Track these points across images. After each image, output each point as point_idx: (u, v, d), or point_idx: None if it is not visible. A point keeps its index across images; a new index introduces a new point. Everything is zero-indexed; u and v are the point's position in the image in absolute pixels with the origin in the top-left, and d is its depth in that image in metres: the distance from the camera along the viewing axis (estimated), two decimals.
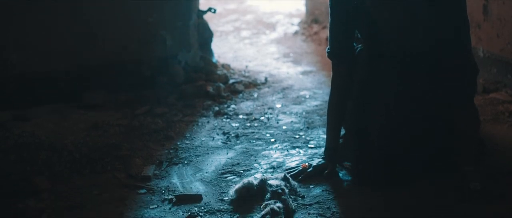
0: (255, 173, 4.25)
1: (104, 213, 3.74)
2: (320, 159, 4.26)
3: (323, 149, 4.32)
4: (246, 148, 4.71)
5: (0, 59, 5.61)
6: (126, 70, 6.03)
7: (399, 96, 3.93)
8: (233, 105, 5.73)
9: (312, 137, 4.87)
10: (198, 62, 6.47)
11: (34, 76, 5.70)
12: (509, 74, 5.54)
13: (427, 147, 3.98)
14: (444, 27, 3.85)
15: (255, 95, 6.06)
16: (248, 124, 5.24)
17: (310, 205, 3.80)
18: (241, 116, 5.45)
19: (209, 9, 6.60)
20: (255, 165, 4.41)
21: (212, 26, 7.04)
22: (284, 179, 3.97)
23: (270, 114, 5.49)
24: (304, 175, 4.15)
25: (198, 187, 4.08)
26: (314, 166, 4.20)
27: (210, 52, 6.83)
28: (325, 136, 4.33)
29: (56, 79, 5.78)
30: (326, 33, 7.79)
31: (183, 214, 3.72)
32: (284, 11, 10.16)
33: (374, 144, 3.96)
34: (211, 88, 6.01)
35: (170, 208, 3.81)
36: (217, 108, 5.64)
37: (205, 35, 6.75)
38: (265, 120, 5.33)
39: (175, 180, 4.19)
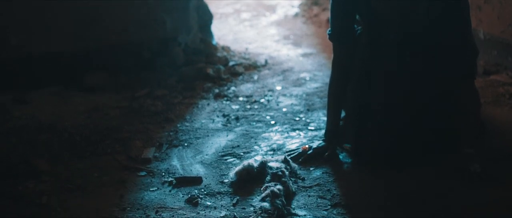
0: (255, 155, 4.25)
1: (104, 195, 3.75)
2: (320, 141, 4.26)
3: (323, 131, 4.32)
4: (246, 130, 4.71)
5: (0, 41, 5.59)
6: (126, 52, 6.01)
7: (399, 76, 3.93)
8: (233, 88, 5.72)
9: (312, 119, 4.87)
10: (198, 45, 6.46)
11: (34, 59, 5.69)
12: (510, 57, 5.52)
13: (428, 129, 3.98)
14: (444, 8, 3.84)
15: (255, 77, 6.05)
16: (248, 106, 5.23)
17: (310, 187, 3.81)
18: (241, 98, 5.44)
19: None
20: (255, 147, 4.41)
21: (212, 8, 7.02)
22: (284, 161, 3.97)
23: (270, 96, 5.49)
24: (304, 157, 4.15)
25: (198, 169, 4.09)
26: (314, 148, 4.20)
27: (210, 35, 6.82)
28: (325, 118, 4.33)
29: (56, 61, 5.77)
30: (326, 15, 7.77)
31: (183, 196, 3.73)
32: None
33: (374, 125, 3.96)
34: (211, 71, 6.00)
35: (170, 190, 3.82)
36: (217, 90, 5.63)
37: (205, 17, 6.73)
38: (265, 102, 5.32)
39: (175, 162, 4.19)
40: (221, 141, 4.53)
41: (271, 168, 3.85)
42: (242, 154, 4.30)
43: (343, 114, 4.30)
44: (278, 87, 5.74)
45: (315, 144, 4.24)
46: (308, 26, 8.06)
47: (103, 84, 5.73)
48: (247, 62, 6.47)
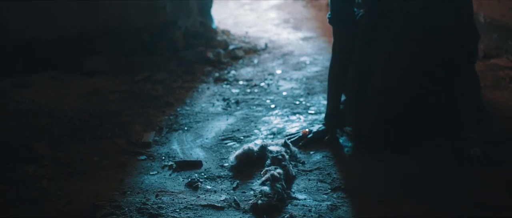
0: (255, 139, 4.25)
1: (104, 179, 3.75)
2: (321, 125, 4.26)
3: (323, 115, 4.31)
4: (246, 114, 4.70)
5: (0, 25, 5.58)
6: (126, 36, 6.00)
7: (399, 58, 3.92)
8: (233, 71, 5.71)
9: (312, 103, 4.87)
10: (198, 28, 6.45)
11: (33, 43, 5.67)
12: (510, 40, 5.51)
13: (428, 112, 3.98)
14: None
15: (255, 61, 6.04)
16: (248, 90, 5.23)
17: (310, 171, 3.81)
18: (241, 82, 5.44)
19: None
20: (255, 131, 4.41)
21: None
22: (285, 145, 3.97)
23: (270, 79, 5.48)
24: (305, 141, 4.14)
25: (198, 153, 4.09)
26: (315, 132, 4.20)
27: (210, 18, 6.80)
28: (325, 102, 4.33)
29: (56, 45, 5.75)
30: None
31: (183, 180, 3.73)
32: None
33: (374, 108, 3.96)
34: (211, 54, 5.99)
35: (170, 174, 3.82)
36: (217, 74, 5.62)
37: (205, 1, 6.72)
38: (265, 86, 5.32)
39: (175, 146, 4.19)
40: (221, 124, 4.53)
41: (271, 151, 3.84)
42: (242, 138, 4.30)
43: (343, 98, 4.29)
44: (278, 71, 5.73)
45: (315, 128, 4.24)
46: (308, 10, 8.04)
47: (103, 68, 5.72)
48: (247, 46, 6.46)
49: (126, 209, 3.38)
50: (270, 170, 3.63)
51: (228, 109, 4.83)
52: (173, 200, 3.50)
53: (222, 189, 3.62)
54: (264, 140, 4.15)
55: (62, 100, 4.96)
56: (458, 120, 3.96)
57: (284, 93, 5.13)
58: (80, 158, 4.01)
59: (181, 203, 3.46)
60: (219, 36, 6.57)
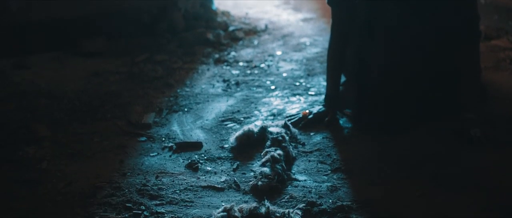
0: (255, 120, 4.25)
1: (105, 160, 3.75)
2: (321, 106, 4.26)
3: (323, 96, 4.31)
4: (246, 95, 4.70)
5: (1, 7, 5.56)
6: (126, 17, 5.98)
7: (399, 39, 3.90)
8: (233, 53, 5.71)
9: (312, 84, 4.86)
10: (197, 10, 6.43)
11: (34, 25, 5.66)
12: (511, 21, 5.50)
13: (428, 93, 3.97)
14: None
15: (255, 42, 6.03)
16: (248, 71, 5.22)
17: (310, 152, 3.81)
18: (241, 63, 5.43)
19: None
20: (256, 112, 4.41)
21: None
22: (285, 126, 3.97)
23: (270, 61, 5.47)
24: (305, 122, 4.14)
25: (198, 135, 4.09)
26: (315, 113, 4.19)
27: None
28: (325, 83, 4.32)
29: (56, 27, 5.74)
30: None
31: (183, 162, 3.73)
32: None
33: (374, 88, 3.95)
34: (211, 36, 5.98)
35: (170, 156, 3.82)
36: (217, 55, 5.62)
37: None
38: (265, 67, 5.31)
39: (175, 128, 4.19)
40: (221, 106, 4.53)
41: (271, 133, 3.85)
42: (242, 119, 4.30)
43: (343, 79, 4.28)
44: (278, 52, 5.72)
45: (315, 109, 4.24)
46: None
47: (103, 49, 5.71)
48: (247, 27, 6.45)
49: (126, 190, 3.39)
50: (270, 151, 3.64)
51: (228, 90, 4.83)
52: (173, 181, 3.50)
53: (222, 170, 3.62)
54: (264, 121, 4.15)
55: (62, 81, 4.96)
56: (459, 101, 3.95)
57: (284, 74, 5.13)
58: (80, 139, 4.01)
59: (181, 184, 3.47)
60: (219, 18, 6.55)
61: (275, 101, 4.57)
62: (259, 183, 3.38)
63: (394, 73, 3.93)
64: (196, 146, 3.93)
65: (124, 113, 4.39)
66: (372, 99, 3.98)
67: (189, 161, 3.71)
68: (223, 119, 4.32)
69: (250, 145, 3.86)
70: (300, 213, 3.06)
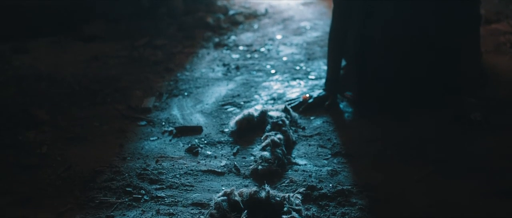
0: (255, 104, 4.24)
1: (104, 145, 3.75)
2: (321, 90, 4.25)
3: (324, 80, 4.30)
4: (247, 80, 4.69)
5: None
6: (126, 1, 5.97)
7: (398, 22, 3.89)
8: (233, 37, 5.70)
9: (312, 68, 4.85)
10: None
11: (33, 8, 5.65)
12: (511, 5, 5.49)
13: (429, 77, 3.97)
14: None
15: (256, 26, 6.02)
16: (249, 55, 5.21)
17: (310, 136, 3.81)
18: (241, 47, 5.42)
19: None
20: (256, 96, 4.40)
21: None
22: (285, 110, 3.96)
23: (271, 45, 5.46)
24: (305, 107, 4.14)
25: (198, 119, 4.08)
26: (315, 97, 4.19)
27: None
28: (325, 67, 4.32)
29: (56, 11, 5.73)
30: None
31: (183, 146, 3.73)
32: None
33: (375, 72, 3.95)
34: (211, 20, 5.97)
35: (170, 140, 3.82)
36: (217, 39, 5.61)
37: None
38: (266, 51, 5.30)
39: (176, 112, 4.19)
40: (221, 90, 4.52)
41: (271, 117, 3.84)
42: (242, 103, 4.30)
43: (343, 63, 4.28)
44: (279, 36, 5.71)
45: (315, 93, 4.23)
46: None
47: (103, 33, 5.70)
48: (247, 11, 6.43)
49: (126, 174, 3.39)
50: (270, 135, 3.63)
51: (228, 74, 4.82)
52: (173, 165, 3.50)
53: (222, 155, 3.62)
54: (265, 105, 4.15)
55: (62, 66, 4.95)
56: (459, 85, 3.95)
57: (285, 58, 5.12)
58: (80, 123, 4.01)
59: (181, 168, 3.47)
60: (219, 1, 6.54)
61: (275, 86, 4.57)
62: (259, 167, 3.38)
63: (394, 57, 3.92)
64: (196, 130, 3.92)
65: (124, 97, 4.38)
66: (372, 84, 3.97)
67: (189, 145, 3.71)
68: (223, 103, 4.31)
69: (250, 129, 3.85)
70: (300, 197, 3.05)
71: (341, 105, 4.15)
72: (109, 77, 4.71)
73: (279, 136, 3.63)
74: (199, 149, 3.67)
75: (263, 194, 3.02)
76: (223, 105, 4.28)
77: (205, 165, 3.50)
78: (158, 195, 3.19)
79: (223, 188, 3.16)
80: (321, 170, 3.40)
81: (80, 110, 4.21)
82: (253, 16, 6.33)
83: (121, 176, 3.37)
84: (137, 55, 5.19)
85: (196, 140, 3.79)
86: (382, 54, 3.93)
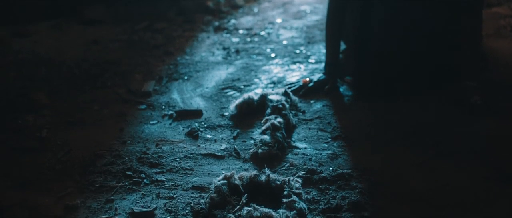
0: (255, 88, 4.24)
1: (104, 129, 3.75)
2: (321, 74, 4.24)
3: (323, 64, 4.30)
4: (247, 63, 4.69)
5: None
6: None
7: (399, 4, 3.88)
8: (233, 20, 5.69)
9: (312, 52, 4.85)
10: None
11: None
12: None
13: (429, 60, 3.96)
14: None
15: (256, 10, 6.01)
16: (249, 39, 5.21)
17: (310, 120, 3.80)
18: (241, 31, 5.41)
19: None
20: (256, 80, 4.40)
21: None
22: (285, 94, 3.96)
23: (271, 28, 5.46)
24: (305, 90, 4.14)
25: (198, 103, 4.08)
26: (315, 81, 4.18)
27: None
28: (325, 51, 4.31)
29: None
30: None
31: (183, 130, 3.73)
32: None
33: (374, 56, 3.94)
34: (211, 3, 5.96)
35: (170, 124, 3.81)
36: (217, 23, 5.60)
37: None
38: (266, 35, 5.29)
39: (175, 96, 4.18)
40: (221, 74, 4.52)
41: (271, 100, 3.84)
42: (242, 87, 4.29)
43: (343, 47, 4.27)
44: (279, 20, 5.70)
45: (315, 77, 4.23)
46: None
47: (102, 17, 5.70)
48: None
49: (126, 158, 3.39)
50: (270, 119, 3.63)
51: (228, 58, 4.82)
52: (173, 149, 3.50)
53: (222, 138, 3.62)
54: (265, 89, 4.15)
55: (62, 49, 4.94)
56: (459, 69, 3.94)
57: (284, 42, 5.11)
58: (80, 107, 4.01)
59: (181, 152, 3.47)
60: None
61: (275, 69, 4.56)
62: (259, 151, 3.38)
63: (394, 40, 3.91)
64: (196, 114, 3.92)
65: (124, 81, 4.38)
66: (372, 67, 3.97)
67: (189, 129, 3.71)
68: (223, 86, 4.31)
69: (250, 112, 3.85)
70: (300, 180, 3.05)
71: (341, 89, 4.15)
72: (109, 61, 4.70)
73: (279, 119, 3.63)
74: (199, 132, 3.67)
75: (263, 177, 3.02)
76: (223, 89, 4.28)
77: (205, 148, 3.50)
78: (158, 178, 3.19)
79: (223, 172, 3.15)
80: (321, 154, 3.40)
81: (80, 93, 4.20)
82: None
83: (121, 159, 3.37)
84: (137, 39, 5.19)
85: (196, 124, 3.79)
86: (382, 37, 3.92)
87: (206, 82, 4.38)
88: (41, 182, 3.16)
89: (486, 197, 2.93)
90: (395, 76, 3.95)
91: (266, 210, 2.76)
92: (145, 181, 3.17)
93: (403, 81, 3.96)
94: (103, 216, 2.87)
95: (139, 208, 2.92)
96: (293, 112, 3.85)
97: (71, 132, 3.69)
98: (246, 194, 2.88)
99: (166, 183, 3.16)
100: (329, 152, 3.41)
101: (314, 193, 3.02)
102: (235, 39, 5.20)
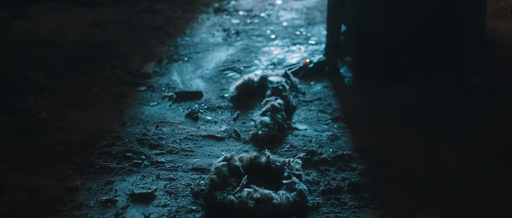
0: (255, 69, 4.24)
1: (104, 110, 3.74)
2: (321, 56, 4.24)
3: (324, 45, 4.29)
4: (247, 45, 4.68)
5: None
6: None
7: None
8: (233, 2, 5.67)
9: (313, 33, 4.84)
10: None
11: None
12: None
13: (430, 41, 3.96)
14: None
15: None
16: (248, 20, 5.20)
17: (311, 101, 3.80)
18: (241, 12, 5.40)
19: None
20: (256, 61, 4.39)
21: None
22: (285, 75, 3.96)
23: (271, 10, 5.44)
24: (305, 72, 4.13)
25: (198, 84, 4.08)
26: (315, 63, 4.18)
27: None
28: (326, 32, 4.30)
29: None
30: None
31: (183, 111, 3.73)
32: None
33: (374, 37, 3.93)
34: None
35: (170, 105, 3.81)
36: (217, 4, 5.59)
37: None
38: (266, 16, 5.28)
39: (175, 77, 4.18)
40: (221, 55, 4.51)
41: (271, 82, 3.84)
42: (242, 68, 4.29)
43: (343, 28, 4.26)
44: (279, 1, 5.69)
45: (316, 58, 4.22)
46: None
47: None
48: None
49: (126, 139, 3.39)
50: (270, 100, 3.63)
51: (228, 39, 4.81)
52: (173, 130, 3.50)
53: (222, 120, 3.62)
54: (265, 71, 4.15)
55: (62, 31, 4.94)
56: (461, 50, 3.94)
57: (285, 23, 5.10)
58: (80, 89, 4.01)
59: (181, 133, 3.47)
60: None
61: (275, 51, 4.56)
62: (259, 132, 3.38)
63: (395, 20, 3.90)
64: (196, 95, 3.92)
65: (124, 63, 4.38)
66: (372, 47, 3.96)
67: (189, 110, 3.71)
68: (223, 68, 4.31)
69: (250, 94, 3.85)
70: (300, 162, 3.05)
71: (341, 71, 4.15)
72: (109, 43, 4.70)
73: (279, 101, 3.63)
74: (199, 114, 3.67)
75: (263, 159, 3.02)
76: (223, 70, 4.27)
77: (205, 130, 3.50)
78: (158, 160, 3.19)
79: (223, 153, 3.15)
80: (321, 135, 3.40)
81: (80, 75, 4.20)
82: None
83: (121, 141, 3.37)
84: (137, 20, 5.18)
85: (196, 105, 3.78)
86: (382, 18, 3.91)
87: (206, 64, 4.37)
88: (41, 163, 3.17)
89: (486, 178, 2.93)
90: (395, 57, 3.94)
91: (266, 191, 2.76)
92: (145, 162, 3.17)
93: (403, 63, 3.95)
94: (103, 198, 2.87)
95: (139, 190, 2.92)
96: (293, 93, 3.85)
97: (71, 114, 3.69)
98: (246, 176, 2.88)
99: (166, 164, 3.16)
100: (329, 133, 3.41)
101: (314, 175, 3.02)
102: (235, 21, 5.19)
